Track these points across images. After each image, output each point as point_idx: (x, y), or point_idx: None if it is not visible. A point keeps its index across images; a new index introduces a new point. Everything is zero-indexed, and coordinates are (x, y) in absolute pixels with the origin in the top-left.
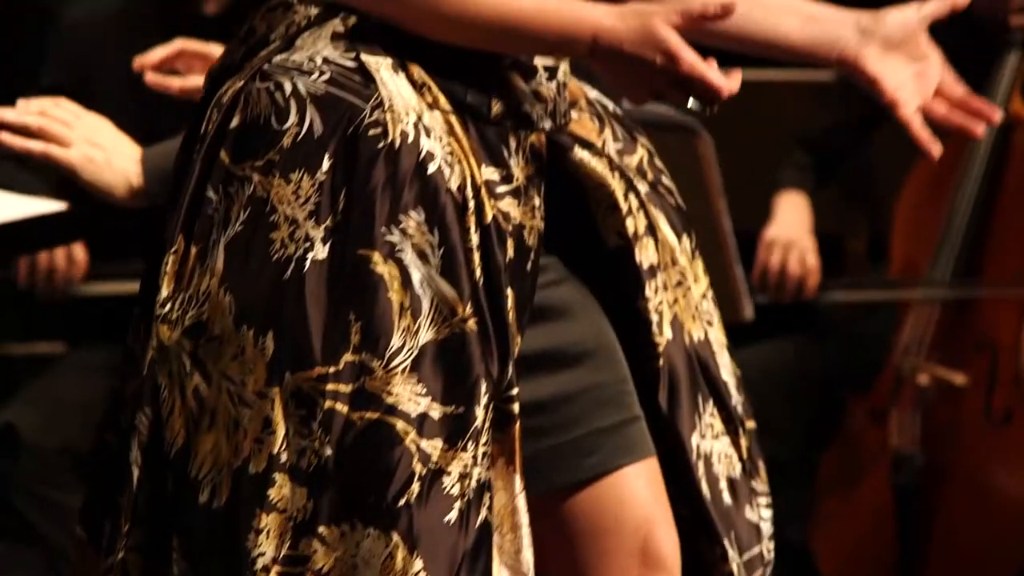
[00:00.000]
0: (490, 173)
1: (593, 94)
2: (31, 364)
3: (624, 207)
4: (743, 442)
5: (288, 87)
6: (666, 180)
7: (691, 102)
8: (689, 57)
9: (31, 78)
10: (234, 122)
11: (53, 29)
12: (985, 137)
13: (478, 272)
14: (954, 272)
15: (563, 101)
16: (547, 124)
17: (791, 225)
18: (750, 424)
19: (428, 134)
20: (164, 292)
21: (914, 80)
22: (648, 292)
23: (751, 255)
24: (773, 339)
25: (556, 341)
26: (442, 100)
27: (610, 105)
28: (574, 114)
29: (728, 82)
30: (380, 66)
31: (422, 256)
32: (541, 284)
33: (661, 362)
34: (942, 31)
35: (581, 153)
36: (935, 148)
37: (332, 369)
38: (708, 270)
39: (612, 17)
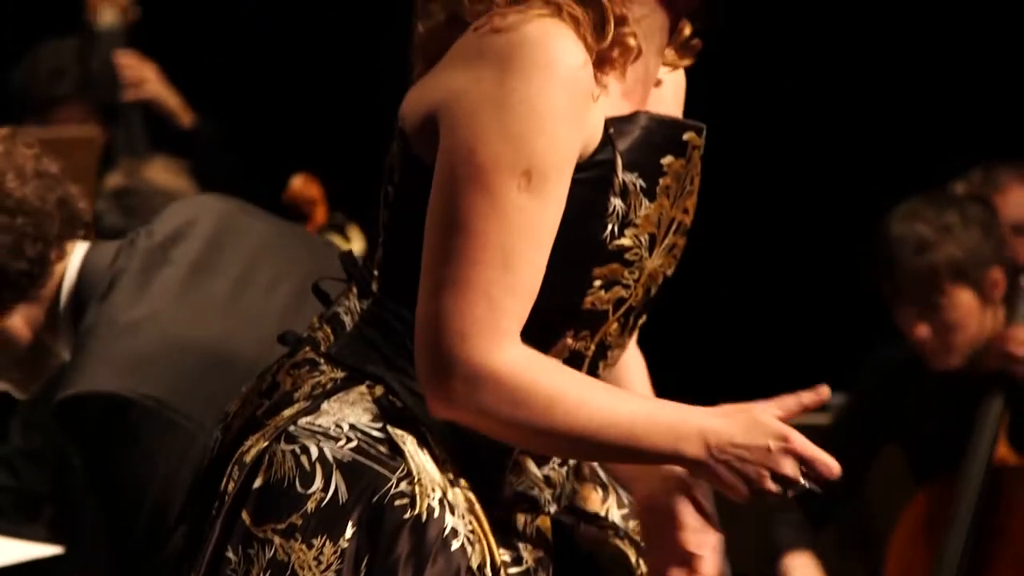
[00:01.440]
0: (502, 554)
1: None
2: None
3: (638, 572)
4: None
5: (315, 451)
6: None
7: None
8: (801, 439)
9: None
10: (257, 482)
11: None
12: (973, 482)
13: None
14: None
15: (570, 483)
16: (552, 508)
17: None
18: None
19: (452, 511)
20: None
21: None
22: None
23: None
24: None
25: None
26: (462, 479)
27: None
28: (575, 484)
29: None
30: (406, 440)
31: None
32: None
33: None
34: (929, 381)
35: (587, 529)
36: None
37: None
38: None
39: (716, 414)
